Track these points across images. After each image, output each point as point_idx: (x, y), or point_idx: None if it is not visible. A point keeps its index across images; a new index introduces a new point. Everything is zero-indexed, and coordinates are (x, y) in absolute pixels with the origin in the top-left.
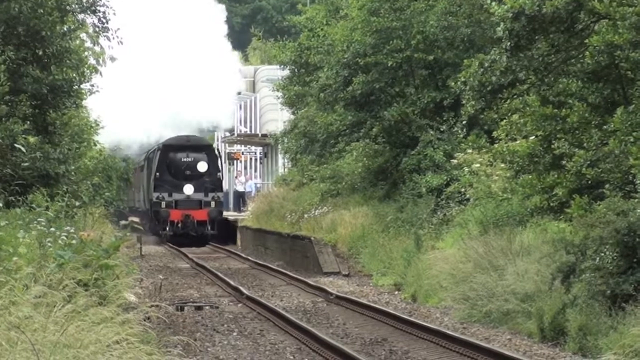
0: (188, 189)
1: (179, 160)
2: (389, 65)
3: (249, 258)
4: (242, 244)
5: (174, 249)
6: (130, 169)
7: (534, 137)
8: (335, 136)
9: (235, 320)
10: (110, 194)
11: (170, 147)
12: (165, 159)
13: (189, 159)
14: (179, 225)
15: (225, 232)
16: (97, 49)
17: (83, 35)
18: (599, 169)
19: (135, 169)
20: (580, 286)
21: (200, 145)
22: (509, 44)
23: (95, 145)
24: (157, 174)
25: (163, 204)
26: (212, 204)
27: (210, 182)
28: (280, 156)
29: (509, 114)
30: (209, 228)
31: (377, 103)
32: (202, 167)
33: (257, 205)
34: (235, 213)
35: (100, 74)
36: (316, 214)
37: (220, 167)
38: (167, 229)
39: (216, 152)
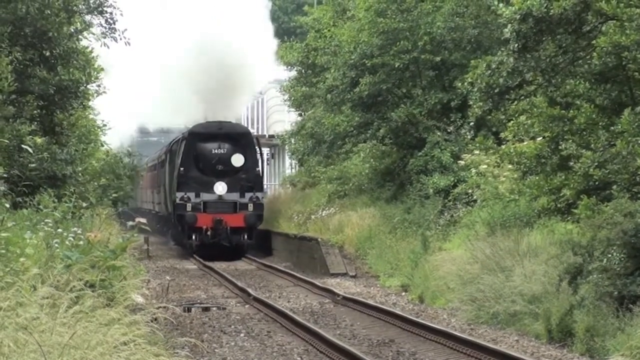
0: (220, 188)
1: (208, 151)
2: (396, 66)
3: (256, 259)
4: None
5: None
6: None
7: (541, 138)
8: (343, 137)
9: (242, 322)
10: (120, 194)
11: (198, 136)
12: (192, 151)
13: (222, 151)
14: (209, 233)
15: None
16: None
17: (90, 37)
18: (606, 170)
19: (152, 165)
20: (588, 287)
21: (235, 134)
22: (516, 45)
23: (102, 145)
24: (182, 169)
25: (189, 207)
26: (250, 206)
27: (248, 179)
28: (287, 157)
29: (517, 115)
30: (246, 237)
31: (384, 104)
32: (238, 160)
33: (265, 206)
34: None
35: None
36: (323, 215)
37: (260, 161)
38: (194, 237)
39: (255, 141)
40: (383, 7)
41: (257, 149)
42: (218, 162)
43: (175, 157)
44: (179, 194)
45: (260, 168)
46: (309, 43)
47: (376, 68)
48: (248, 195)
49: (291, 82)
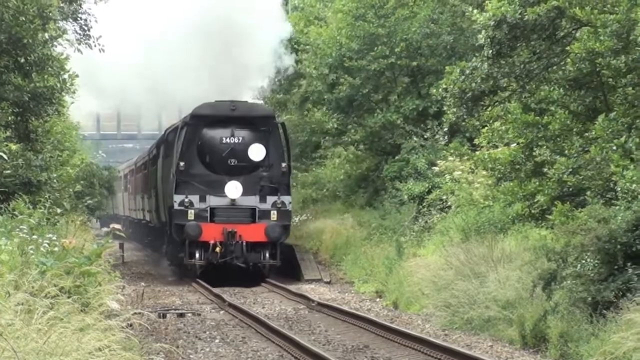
0: (233, 190)
1: (217, 141)
2: (373, 69)
3: None
4: None
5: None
6: (113, 177)
7: (515, 144)
8: (322, 134)
9: (217, 328)
10: (95, 200)
11: (203, 120)
12: (196, 140)
13: (235, 140)
14: (217, 249)
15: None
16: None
17: (65, 44)
18: (580, 176)
19: (141, 165)
20: (562, 293)
21: (254, 117)
22: (490, 51)
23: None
24: (181, 164)
25: (190, 214)
26: (273, 214)
27: (271, 178)
28: None
29: (491, 122)
30: (268, 255)
31: (360, 109)
32: (258, 152)
33: None
34: None
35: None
36: (297, 221)
37: (286, 154)
38: (198, 256)
39: (280, 127)
40: (361, 12)
41: (283, 138)
42: (230, 155)
43: (172, 150)
44: (177, 198)
45: (287, 163)
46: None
47: (354, 71)
48: (271, 199)
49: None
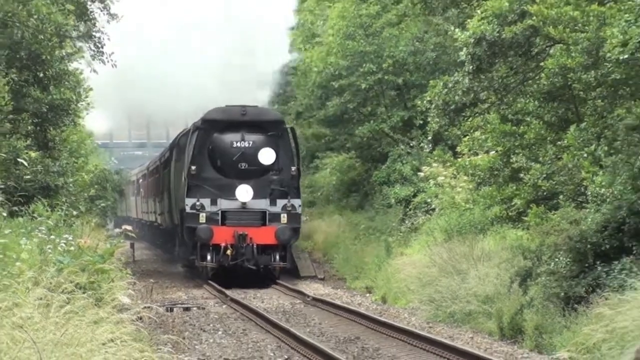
0: (243, 193)
1: (228, 145)
2: (362, 87)
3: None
4: None
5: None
6: (125, 180)
7: (494, 152)
8: (314, 150)
9: (220, 320)
10: (108, 203)
11: (214, 124)
12: (207, 144)
13: (245, 144)
14: (228, 252)
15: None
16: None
17: (80, 60)
18: (553, 181)
19: (153, 169)
20: (536, 289)
21: (264, 121)
22: (471, 67)
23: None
24: (193, 168)
25: (202, 218)
26: (283, 217)
27: (280, 181)
28: None
29: (471, 131)
30: (278, 257)
31: (350, 121)
32: (267, 156)
33: None
34: None
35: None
36: None
37: (296, 157)
38: (209, 258)
39: (289, 131)
40: (351, 30)
41: (293, 143)
42: (241, 159)
43: (183, 154)
44: (189, 201)
45: (296, 167)
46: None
47: (343, 88)
48: (281, 202)
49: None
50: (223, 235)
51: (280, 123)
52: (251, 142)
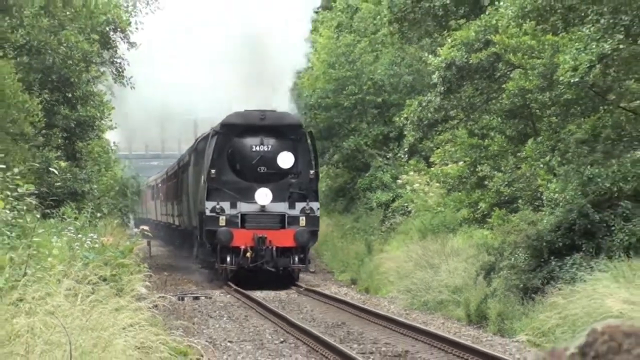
0: (263, 197)
1: (247, 149)
2: (345, 105)
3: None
4: None
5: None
6: (141, 184)
7: (462, 162)
8: None
9: (225, 308)
10: (126, 206)
11: (233, 129)
12: (226, 148)
13: (265, 148)
14: (248, 254)
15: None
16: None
17: (103, 82)
18: (513, 187)
19: (172, 174)
20: (499, 281)
21: (282, 125)
22: (442, 88)
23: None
24: (213, 171)
25: (222, 220)
26: (302, 220)
27: (299, 184)
28: None
29: (442, 144)
30: (297, 259)
31: (337, 135)
32: (286, 160)
33: None
34: None
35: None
36: None
37: (314, 161)
38: (229, 260)
39: (307, 135)
40: (333, 60)
41: (311, 146)
42: (260, 163)
43: (202, 158)
44: (209, 204)
45: (314, 170)
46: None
47: (330, 107)
48: (299, 205)
49: None
50: (243, 238)
51: (298, 127)
52: (270, 146)
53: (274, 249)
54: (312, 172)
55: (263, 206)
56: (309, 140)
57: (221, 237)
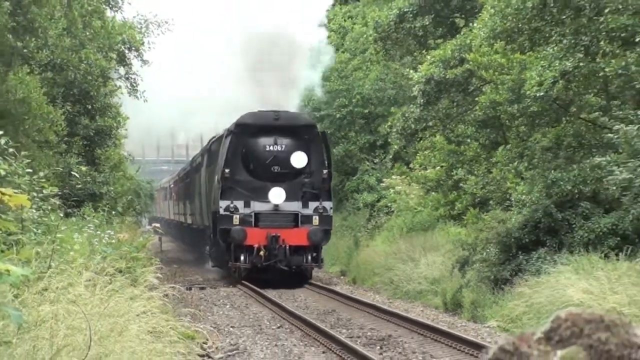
0: (276, 196)
1: (261, 148)
2: (337, 116)
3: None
4: None
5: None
6: (154, 187)
7: (440, 166)
8: None
9: (228, 297)
10: (140, 207)
11: (247, 128)
12: (240, 148)
13: (278, 147)
14: (261, 253)
15: None
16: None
17: (119, 95)
18: (486, 189)
19: (184, 175)
20: (472, 273)
21: (296, 126)
22: (422, 100)
23: (127, 164)
24: (227, 171)
25: (235, 219)
26: (315, 219)
27: (312, 184)
28: None
29: (422, 150)
30: (310, 258)
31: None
32: (300, 160)
33: None
34: None
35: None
36: None
37: (327, 161)
38: (242, 259)
39: (320, 135)
40: (327, 74)
41: (324, 146)
42: (274, 162)
43: (216, 157)
44: (223, 203)
45: (327, 170)
46: None
47: (323, 117)
48: (312, 205)
49: None
50: (256, 237)
51: (311, 127)
52: (284, 146)
53: (287, 247)
54: (325, 171)
55: (276, 205)
56: (322, 140)
57: (235, 236)
